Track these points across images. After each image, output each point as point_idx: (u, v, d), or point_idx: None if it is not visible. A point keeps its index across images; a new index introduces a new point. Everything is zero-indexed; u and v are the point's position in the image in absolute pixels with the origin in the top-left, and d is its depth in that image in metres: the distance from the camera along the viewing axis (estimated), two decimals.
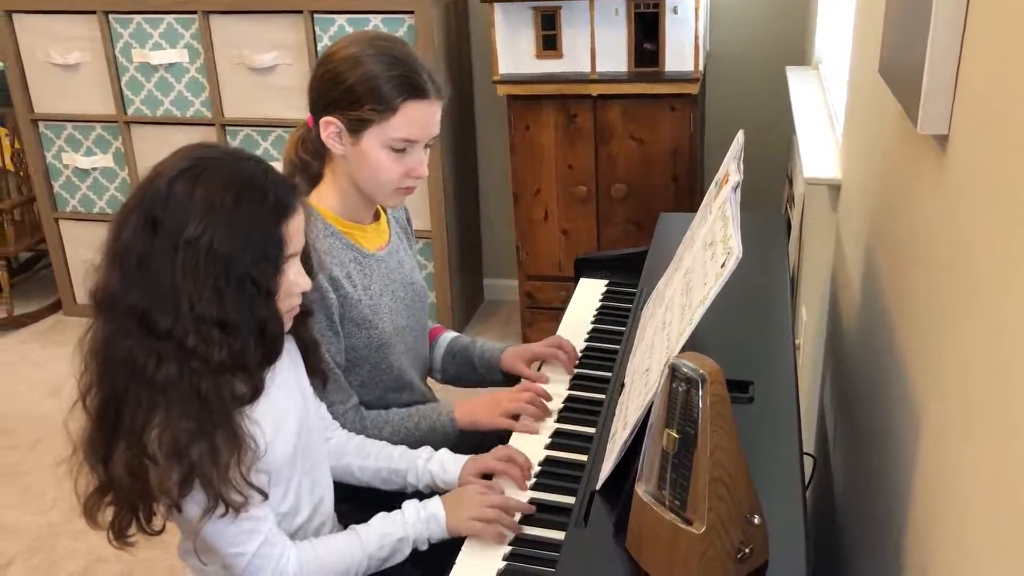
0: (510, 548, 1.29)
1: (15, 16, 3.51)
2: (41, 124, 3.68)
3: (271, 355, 1.25)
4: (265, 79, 3.35)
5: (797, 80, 2.67)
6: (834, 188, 1.95)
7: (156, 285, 1.16)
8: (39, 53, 3.54)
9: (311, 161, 1.60)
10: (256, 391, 1.23)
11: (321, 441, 1.44)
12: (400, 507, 1.38)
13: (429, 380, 1.84)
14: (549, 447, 1.50)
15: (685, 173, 3.04)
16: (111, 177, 3.70)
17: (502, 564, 1.26)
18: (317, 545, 1.33)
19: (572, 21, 2.92)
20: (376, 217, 1.67)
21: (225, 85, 3.41)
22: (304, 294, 1.29)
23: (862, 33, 1.73)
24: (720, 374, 0.95)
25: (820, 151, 2.05)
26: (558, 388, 1.66)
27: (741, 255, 1.08)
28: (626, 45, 2.92)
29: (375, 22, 3.17)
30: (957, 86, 0.93)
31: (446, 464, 1.46)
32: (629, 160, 3.06)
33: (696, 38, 2.85)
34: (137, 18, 3.39)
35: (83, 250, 3.78)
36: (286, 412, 1.32)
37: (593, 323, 1.87)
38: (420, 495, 1.45)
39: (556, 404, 1.61)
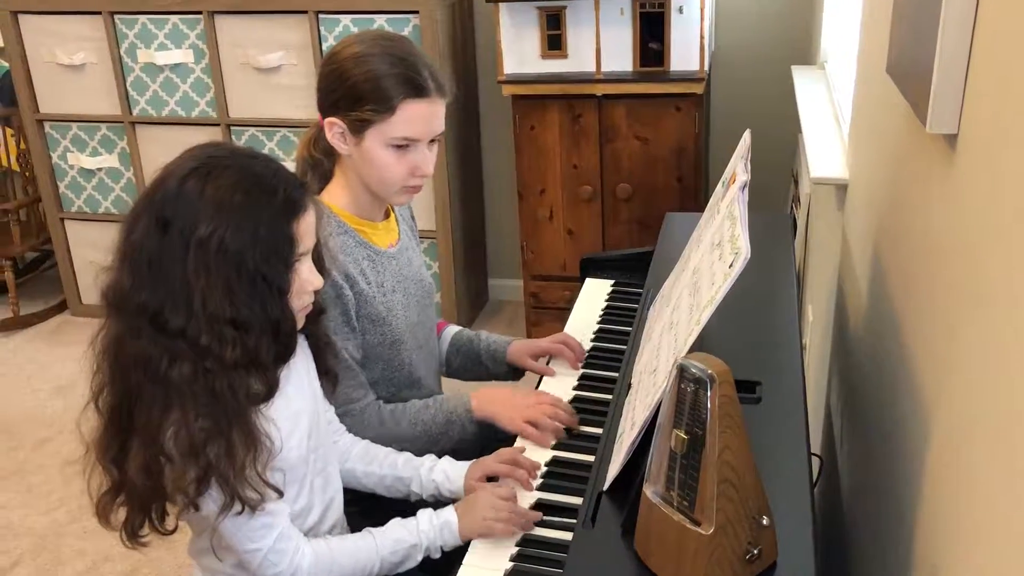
0: (517, 549, 1.29)
1: (21, 16, 3.52)
2: (46, 124, 3.69)
3: (285, 353, 1.25)
4: (270, 79, 3.35)
5: (803, 79, 2.66)
6: (840, 188, 1.95)
7: (168, 284, 1.16)
8: (44, 53, 3.55)
9: (322, 159, 1.61)
10: (271, 389, 1.23)
11: (331, 441, 1.45)
12: (414, 513, 1.38)
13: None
14: (556, 447, 1.50)
15: (690, 173, 3.04)
16: (116, 177, 3.71)
17: (509, 565, 1.26)
18: (332, 543, 1.33)
19: (577, 21, 2.92)
20: (386, 215, 1.67)
21: (230, 85, 3.41)
22: (317, 292, 1.30)
23: (869, 32, 1.72)
24: (729, 374, 0.94)
25: (826, 151, 2.05)
26: (565, 386, 1.66)
27: (749, 256, 1.08)
28: (631, 45, 2.92)
29: (380, 22, 3.17)
30: (967, 85, 0.92)
31: (450, 473, 1.46)
32: (634, 160, 3.06)
33: (701, 37, 2.84)
34: (142, 18, 3.39)
35: (88, 250, 3.79)
36: (300, 411, 1.32)
37: (599, 323, 1.87)
38: (426, 504, 1.45)
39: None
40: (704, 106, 3.03)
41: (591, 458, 1.37)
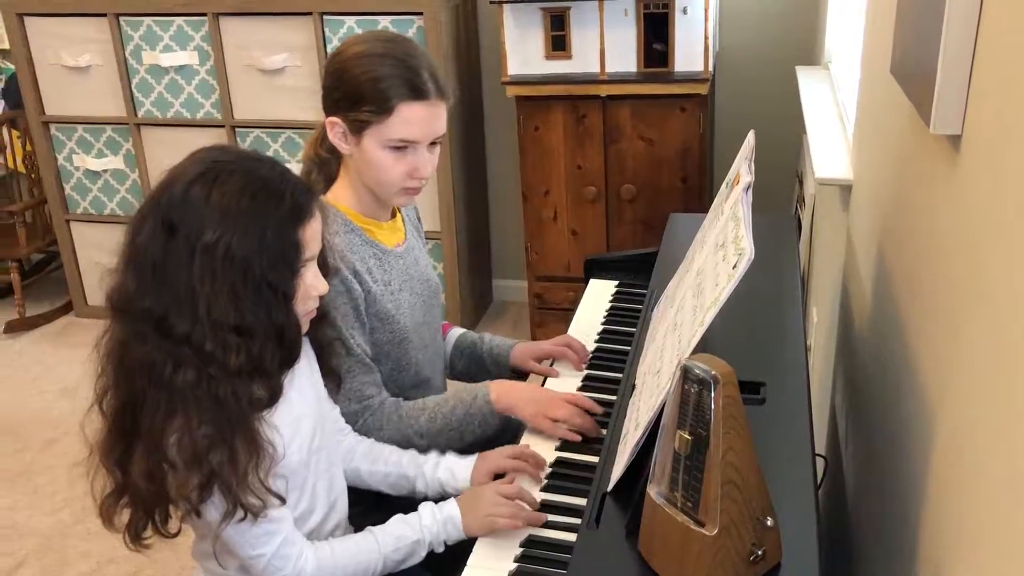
0: (521, 549, 1.29)
1: (26, 19, 3.53)
2: (52, 126, 3.70)
3: (289, 359, 1.25)
4: (275, 81, 3.35)
5: (807, 80, 2.66)
6: (845, 188, 1.94)
7: (173, 290, 1.16)
8: (50, 55, 3.56)
9: (329, 158, 1.61)
10: (274, 395, 1.22)
11: (335, 443, 1.44)
12: (416, 508, 1.38)
13: None
14: (560, 448, 1.50)
15: (694, 174, 3.03)
16: (122, 179, 3.72)
17: (514, 565, 1.26)
18: (335, 545, 1.33)
19: (581, 22, 2.92)
20: (392, 215, 1.67)
21: (235, 87, 3.41)
22: (321, 297, 1.29)
23: (873, 33, 1.72)
24: (732, 375, 0.94)
25: (831, 151, 2.04)
26: (568, 387, 1.66)
27: (753, 256, 1.08)
28: (635, 45, 2.92)
29: (384, 23, 3.17)
30: (970, 86, 0.92)
31: (455, 470, 1.45)
32: (638, 161, 3.06)
33: (706, 38, 2.84)
34: (147, 20, 3.40)
35: (94, 252, 3.80)
36: (302, 415, 1.32)
37: (603, 324, 1.87)
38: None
39: None
40: (708, 107, 3.03)
41: (595, 459, 1.37)
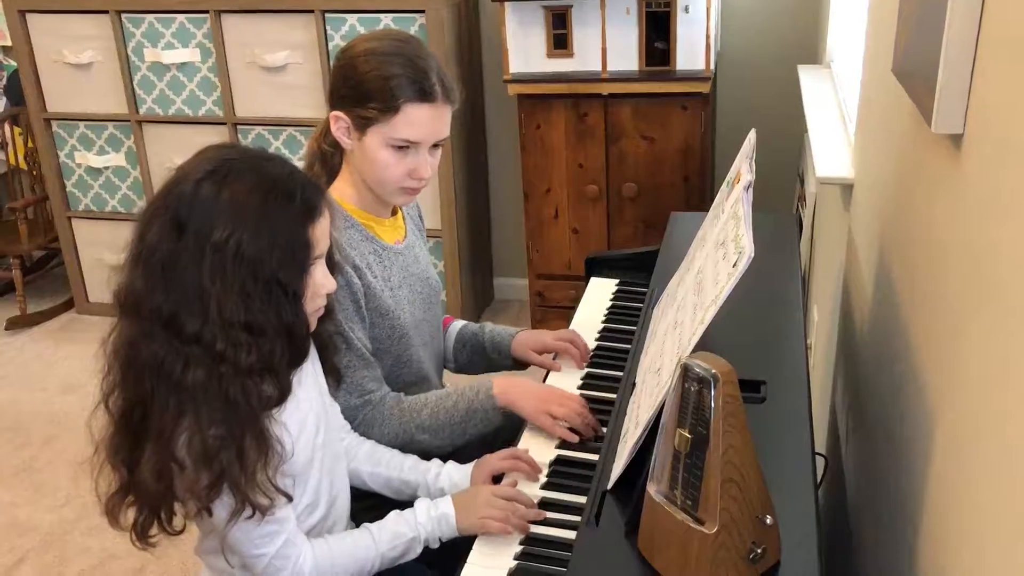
0: (521, 547, 1.29)
1: (28, 16, 3.53)
2: (54, 123, 3.70)
3: (298, 357, 1.25)
4: (277, 78, 3.36)
5: (809, 79, 2.66)
6: (846, 187, 1.94)
7: (183, 288, 1.15)
8: (52, 52, 3.56)
9: (332, 152, 1.61)
10: (283, 394, 1.22)
11: (337, 439, 1.45)
12: (412, 504, 1.38)
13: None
14: (560, 446, 1.50)
15: (696, 172, 3.03)
16: (123, 176, 3.72)
17: (513, 563, 1.26)
18: (332, 543, 1.33)
19: (583, 20, 2.92)
20: (393, 212, 1.68)
21: (237, 84, 3.42)
22: (328, 294, 1.29)
23: (875, 32, 1.72)
24: (732, 374, 0.94)
25: (832, 150, 2.04)
26: (569, 384, 1.66)
27: (753, 255, 1.08)
28: (637, 44, 2.92)
29: (386, 21, 3.17)
30: (972, 85, 0.92)
31: (456, 479, 1.46)
32: (640, 159, 3.06)
33: (707, 37, 2.84)
34: (149, 17, 3.40)
35: (95, 249, 3.81)
36: (307, 411, 1.32)
37: (604, 322, 1.87)
38: None
39: None
40: (710, 105, 3.03)
41: (595, 457, 1.37)
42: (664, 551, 1.01)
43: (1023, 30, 0.76)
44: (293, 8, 3.23)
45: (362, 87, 1.49)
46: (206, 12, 3.33)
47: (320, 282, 1.25)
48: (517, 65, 3.02)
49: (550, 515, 1.34)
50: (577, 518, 1.26)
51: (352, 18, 3.20)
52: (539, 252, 3.27)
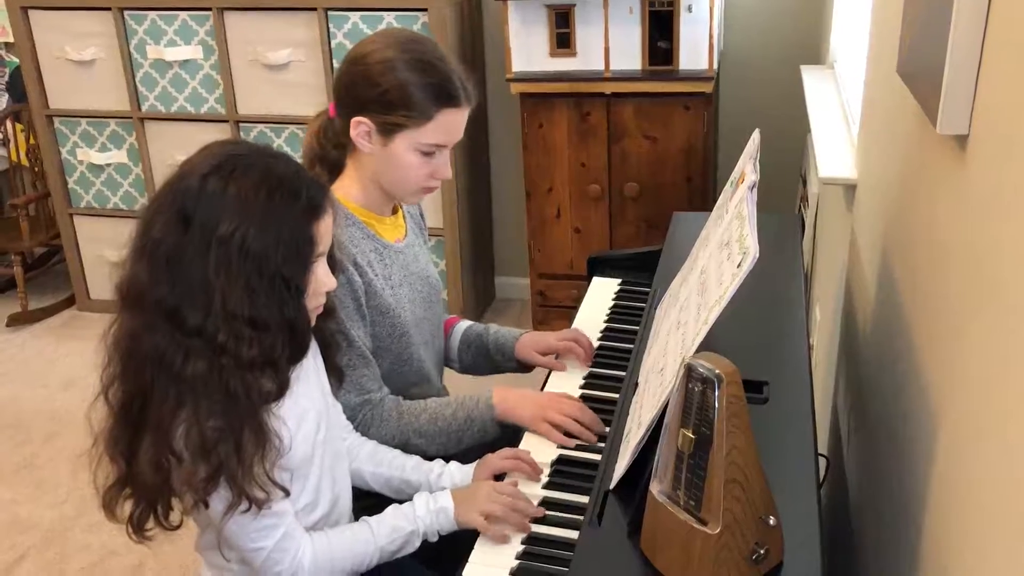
0: (523, 547, 1.29)
1: (31, 12, 3.53)
2: (56, 120, 3.70)
3: (298, 353, 1.26)
4: (279, 76, 3.36)
5: (812, 79, 2.66)
6: (849, 188, 1.94)
7: (187, 281, 1.16)
8: (54, 49, 3.56)
9: (332, 151, 1.61)
10: (282, 388, 1.23)
11: (339, 438, 1.45)
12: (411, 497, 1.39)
13: (445, 372, 1.85)
14: (563, 446, 1.50)
15: (698, 172, 3.03)
16: (125, 173, 3.72)
17: (515, 563, 1.26)
18: (331, 536, 1.34)
19: (586, 19, 2.92)
20: (394, 211, 1.68)
21: (239, 82, 3.42)
22: (329, 292, 1.30)
23: (879, 32, 1.72)
24: (736, 374, 0.94)
25: (835, 151, 2.04)
26: (572, 384, 1.66)
27: (758, 255, 1.08)
28: (640, 43, 2.92)
29: (389, 19, 3.17)
30: (977, 85, 0.92)
31: (457, 480, 1.46)
32: (642, 159, 3.06)
33: (710, 36, 2.84)
34: (152, 14, 3.40)
35: (97, 246, 3.81)
36: (307, 408, 1.32)
37: (606, 322, 1.87)
38: None
39: None
40: (713, 105, 3.03)
41: (598, 457, 1.38)
42: (666, 551, 1.01)
43: None
44: (296, 6, 3.23)
45: (388, 96, 1.49)
46: (209, 9, 3.32)
47: (322, 280, 1.26)
48: (520, 64, 3.02)
49: (552, 514, 1.34)
50: (579, 518, 1.26)
51: (355, 16, 3.19)
52: (541, 251, 3.27)
